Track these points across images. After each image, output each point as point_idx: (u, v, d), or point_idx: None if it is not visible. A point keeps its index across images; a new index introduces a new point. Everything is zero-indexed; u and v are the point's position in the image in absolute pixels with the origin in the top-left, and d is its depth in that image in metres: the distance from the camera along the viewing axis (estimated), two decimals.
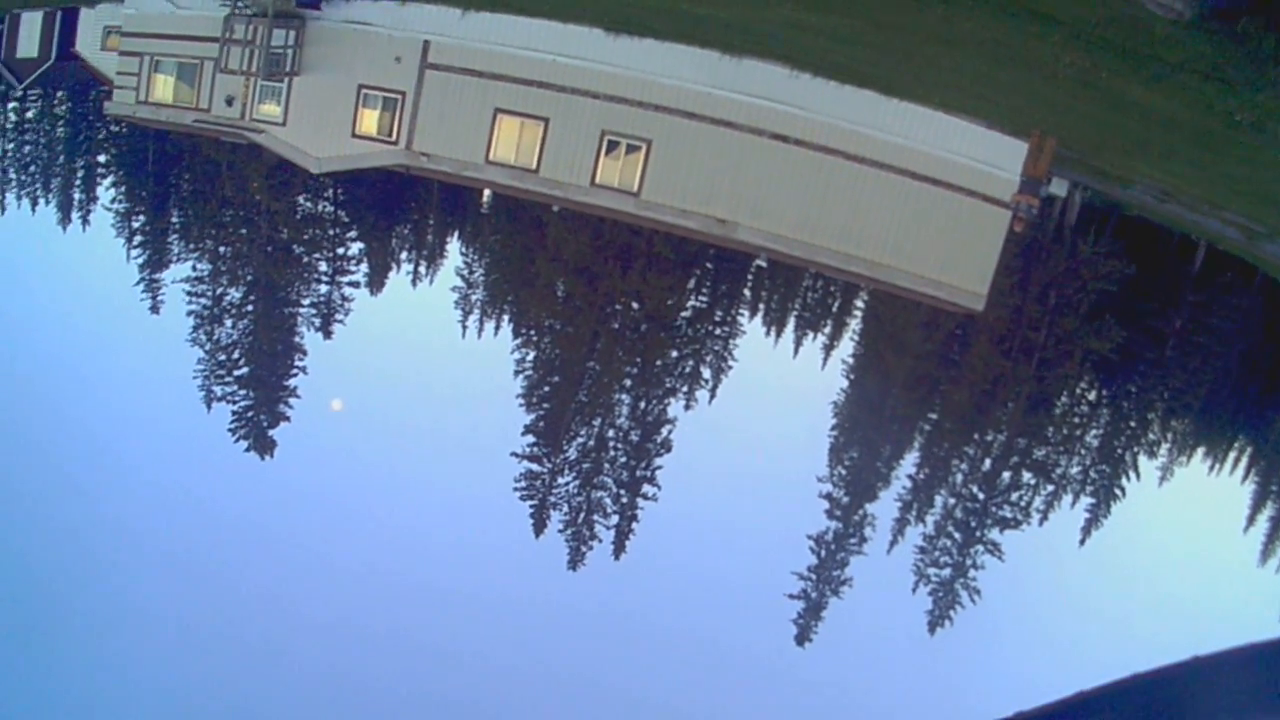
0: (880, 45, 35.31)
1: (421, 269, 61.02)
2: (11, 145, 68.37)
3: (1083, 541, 46.58)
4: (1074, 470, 48.00)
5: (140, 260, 56.30)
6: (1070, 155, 37.77)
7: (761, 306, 57.11)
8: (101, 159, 68.55)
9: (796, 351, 56.56)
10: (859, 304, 54.77)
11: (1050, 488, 47.00)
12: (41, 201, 66.66)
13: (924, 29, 31.19)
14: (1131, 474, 47.71)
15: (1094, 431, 49.73)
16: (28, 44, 55.48)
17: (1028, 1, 29.23)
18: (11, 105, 68.25)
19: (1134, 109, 30.82)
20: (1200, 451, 51.26)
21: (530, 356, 50.56)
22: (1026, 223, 38.30)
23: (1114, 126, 33.72)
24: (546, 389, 49.68)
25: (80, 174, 69.02)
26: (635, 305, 49.26)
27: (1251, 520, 48.67)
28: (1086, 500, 47.21)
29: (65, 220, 66.80)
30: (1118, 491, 47.28)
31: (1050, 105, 33.77)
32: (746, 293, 55.65)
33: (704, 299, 53.35)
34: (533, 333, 52.09)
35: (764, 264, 46.99)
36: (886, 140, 38.93)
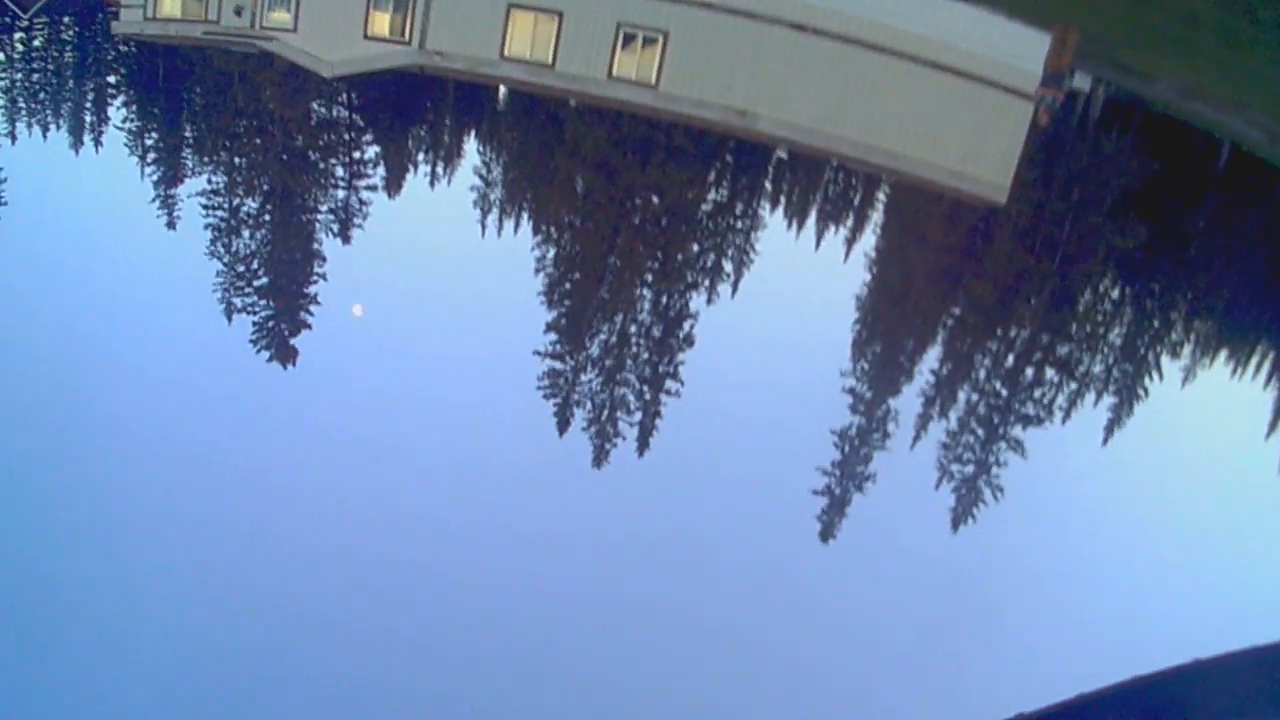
0: None
1: (439, 170, 60.10)
2: (20, 75, 67.28)
3: (1105, 441, 46.46)
4: (1097, 368, 47.64)
5: (155, 177, 55.64)
6: (1094, 49, 36.71)
7: (782, 199, 56.13)
8: (111, 80, 67.44)
9: (818, 244, 55.62)
10: (881, 196, 53.83)
11: (1073, 385, 46.73)
12: (53, 127, 65.69)
13: None
14: (1154, 374, 47.38)
15: (1117, 330, 49.22)
16: None
17: None
18: (18, 35, 67.09)
19: (1157, 3, 29.52)
20: (1223, 354, 50.71)
21: (550, 254, 50.07)
22: (1050, 116, 37.40)
23: (1137, 21, 32.59)
24: (567, 286, 49.32)
25: (90, 97, 67.98)
26: (655, 199, 48.56)
27: (1274, 426, 48.39)
28: (1109, 399, 46.99)
29: (77, 144, 65.83)
30: (1140, 391, 47.00)
31: None
32: (767, 185, 54.68)
33: (724, 192, 52.48)
34: (552, 229, 51.46)
35: (785, 155, 46.31)
36: (907, 30, 37.83)
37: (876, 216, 55.61)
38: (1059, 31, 35.21)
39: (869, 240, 54.62)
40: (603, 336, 45.73)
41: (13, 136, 61.44)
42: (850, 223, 57.65)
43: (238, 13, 43.03)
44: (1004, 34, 37.55)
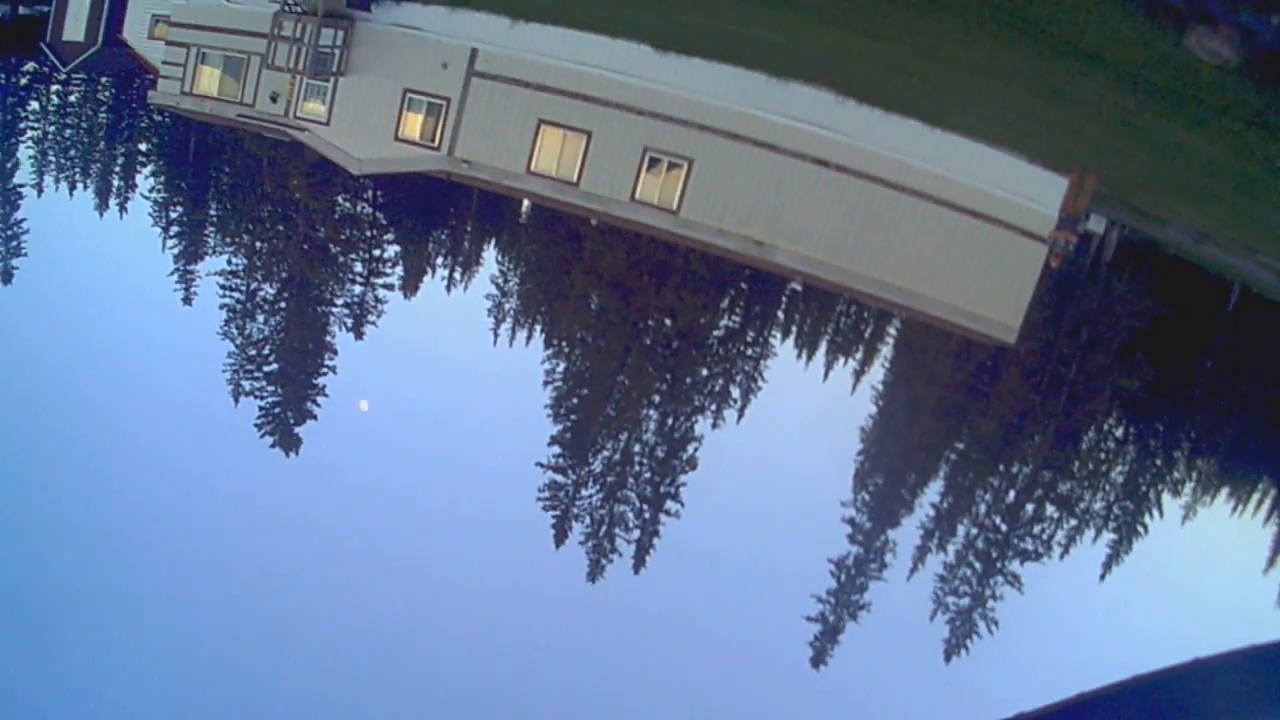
0: (927, 75, 35.00)
1: (456, 275, 59.92)
2: (53, 128, 66.43)
3: (1103, 577, 47.00)
4: (1097, 505, 48.08)
5: (176, 251, 55.78)
6: (1110, 193, 37.88)
7: (794, 329, 55.91)
8: (143, 147, 66.38)
9: (827, 375, 55.77)
10: (891, 331, 53.82)
11: (1073, 522, 47.23)
12: (80, 186, 65.43)
13: (971, 62, 31.56)
14: (1155, 511, 47.80)
15: (1119, 468, 49.49)
16: (75, 27, 53.63)
17: (1075, 41, 29.29)
18: (55, 88, 65.75)
19: (1175, 151, 31.22)
20: (1224, 492, 50.95)
21: (560, 368, 50.27)
22: (1063, 258, 38.01)
23: (1155, 167, 34.05)
24: (575, 401, 49.65)
25: (120, 161, 67.07)
26: (668, 321, 48.67)
27: (1272, 562, 48.85)
28: (1108, 536, 47.50)
29: (103, 206, 65.16)
30: (1140, 528, 47.47)
31: (1092, 143, 34.16)
32: (780, 314, 54.44)
33: (737, 319, 52.35)
34: (564, 344, 51.50)
35: (799, 287, 46.56)
36: (927, 170, 38.38)
37: (886, 351, 55.86)
38: (1076, 175, 35.14)
39: (877, 374, 55.19)
40: (606, 453, 46.70)
41: (39, 189, 62.41)
42: (860, 356, 57.93)
43: (273, 99, 42.89)
44: (1022, 176, 37.45)
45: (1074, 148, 36.21)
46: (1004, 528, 46.45)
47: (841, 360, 54.72)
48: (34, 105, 65.12)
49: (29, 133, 63.67)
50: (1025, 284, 39.87)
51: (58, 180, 62.52)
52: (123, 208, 61.80)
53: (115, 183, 63.04)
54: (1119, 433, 49.53)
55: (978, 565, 46.14)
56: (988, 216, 39.28)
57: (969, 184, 38.99)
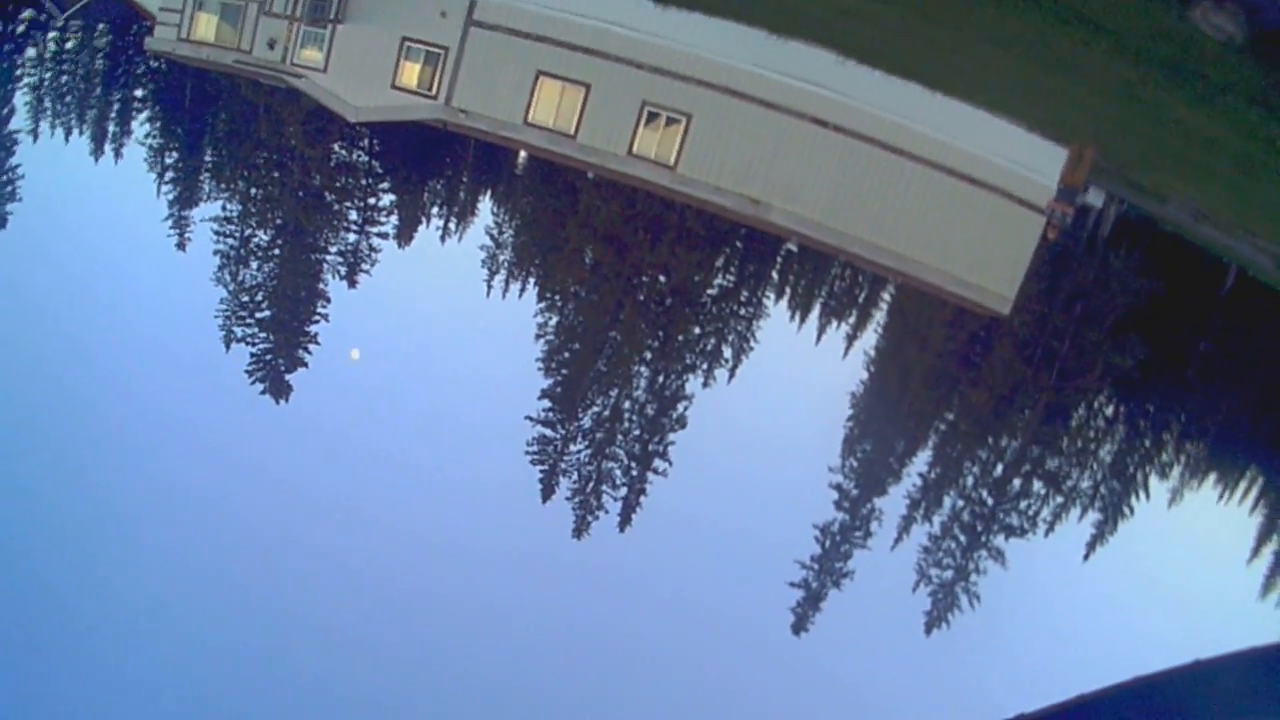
0: (929, 39, 34.90)
1: (451, 225, 59.67)
2: (49, 74, 66.10)
3: (1086, 557, 46.90)
4: (1085, 484, 47.92)
5: (170, 196, 55.79)
6: (1109, 166, 37.68)
7: (788, 290, 55.82)
8: (139, 93, 66.00)
9: (819, 338, 55.63)
10: (885, 296, 53.68)
11: (1059, 499, 47.11)
12: (75, 132, 65.31)
13: (974, 27, 31.55)
14: (1141, 493, 47.65)
15: (1108, 447, 49.37)
16: None
17: (1079, 9, 28.79)
18: (52, 35, 65.66)
19: (1176, 126, 31.02)
20: (1212, 477, 50.69)
21: (553, 321, 50.18)
22: (1060, 230, 37.91)
23: (1155, 142, 33.97)
24: (566, 355, 49.60)
25: (116, 107, 66.80)
26: (662, 278, 48.59)
27: (1256, 552, 48.62)
28: (1094, 515, 47.34)
29: (98, 152, 64.97)
30: (1126, 510, 47.33)
31: (1093, 114, 33.96)
32: (774, 275, 54.44)
33: (731, 278, 52.19)
34: (557, 298, 51.39)
35: (794, 248, 46.43)
36: (926, 134, 38.24)
37: (880, 316, 55.66)
38: (1077, 147, 34.94)
39: (870, 339, 55.04)
40: (596, 409, 46.69)
41: (35, 134, 62.23)
42: (853, 320, 57.72)
43: (270, 45, 42.72)
44: (1022, 145, 37.29)
45: (1074, 118, 36.10)
46: (990, 501, 46.37)
47: (834, 324, 54.68)
48: (30, 52, 65.05)
49: (25, 80, 63.64)
50: (1021, 255, 39.79)
51: (53, 126, 62.49)
52: (118, 153, 61.79)
53: (111, 129, 62.94)
54: (1109, 411, 49.31)
55: (962, 538, 46.10)
56: (985, 184, 39.17)
57: (968, 150, 38.90)
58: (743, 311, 50.29)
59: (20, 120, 61.50)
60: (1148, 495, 46.85)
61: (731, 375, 48.93)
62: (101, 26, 62.65)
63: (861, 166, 40.25)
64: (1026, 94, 36.71)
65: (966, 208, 39.69)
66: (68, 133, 62.10)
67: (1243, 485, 50.90)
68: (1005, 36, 31.74)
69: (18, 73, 64.34)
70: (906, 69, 37.96)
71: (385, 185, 54.08)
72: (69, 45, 65.68)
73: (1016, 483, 46.45)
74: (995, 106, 37.49)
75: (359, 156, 54.57)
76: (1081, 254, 47.56)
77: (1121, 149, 36.87)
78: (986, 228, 40.18)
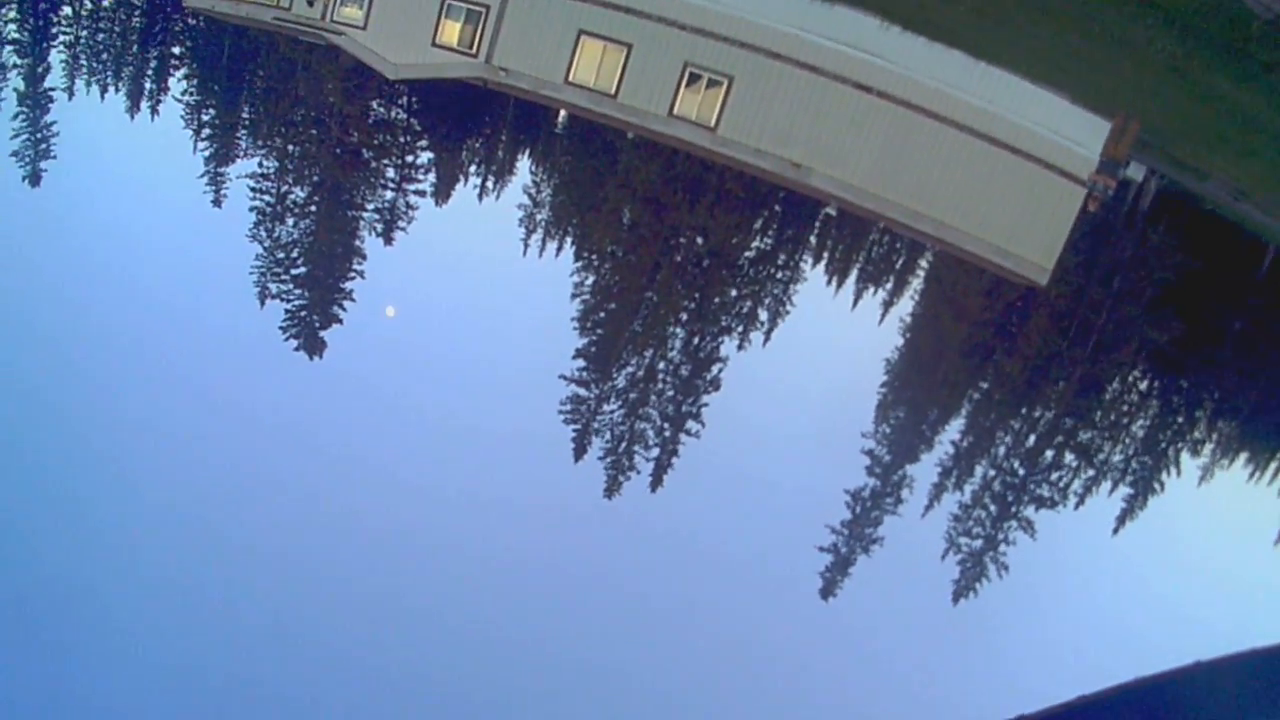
0: (975, 6, 34.94)
1: (489, 184, 60.10)
2: (85, 33, 66.95)
3: (1116, 530, 47.49)
4: (1116, 458, 48.52)
5: (207, 153, 56.29)
6: (1151, 140, 37.78)
7: (826, 255, 56.34)
8: (176, 50, 66.66)
9: (856, 303, 55.95)
10: (923, 263, 54.15)
11: (1090, 472, 47.72)
12: (112, 89, 65.87)
13: None
14: (1173, 469, 48.24)
15: (1140, 422, 49.92)
16: None
17: None
18: None
19: (1220, 103, 31.51)
20: (1243, 457, 51.19)
21: (589, 281, 50.66)
22: (1101, 202, 38.39)
23: (1198, 118, 34.41)
24: (602, 315, 50.12)
25: (153, 64, 67.39)
26: (700, 240, 49.11)
27: None
28: (1124, 490, 47.93)
29: (134, 109, 65.41)
30: (1156, 485, 47.92)
31: (1137, 87, 34.41)
32: (812, 239, 54.87)
33: (769, 241, 52.66)
34: (594, 257, 51.90)
35: (833, 212, 47.03)
36: (970, 102, 38.74)
37: (916, 283, 56.20)
38: (1120, 120, 35.32)
39: (906, 306, 55.50)
40: (630, 369, 47.62)
41: (70, 92, 63.17)
42: (890, 286, 58.19)
43: (310, 2, 43.49)
44: (1066, 116, 37.61)
45: (1119, 91, 36.49)
46: (1021, 471, 46.93)
47: (871, 289, 55.09)
48: (66, 10, 65.60)
49: (61, 38, 64.23)
50: (1061, 225, 40.38)
51: (89, 84, 63.13)
52: (154, 110, 62.38)
53: (147, 86, 63.56)
54: (1143, 385, 49.75)
55: (993, 508, 46.60)
56: (1028, 154, 39.72)
57: (1011, 119, 39.44)
58: (780, 275, 50.80)
59: (55, 79, 62.12)
60: (1179, 472, 47.36)
61: (767, 339, 49.55)
62: None
63: (903, 133, 40.80)
64: (1072, 65, 37.15)
65: (1007, 177, 40.28)
66: (103, 90, 62.85)
67: (1274, 466, 51.38)
68: (1053, 6, 32.38)
69: (54, 30, 65.06)
70: (952, 36, 38.41)
71: (423, 143, 54.64)
72: (105, 3, 66.42)
73: (1049, 454, 47.03)
74: (1040, 77, 38.00)
75: (397, 114, 55.23)
76: (1121, 228, 48.05)
77: (1164, 123, 37.34)
78: (1027, 198, 40.77)
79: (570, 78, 42.77)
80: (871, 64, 40.23)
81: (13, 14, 64.62)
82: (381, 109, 56.92)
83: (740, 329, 50.67)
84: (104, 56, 64.26)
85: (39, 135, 60.43)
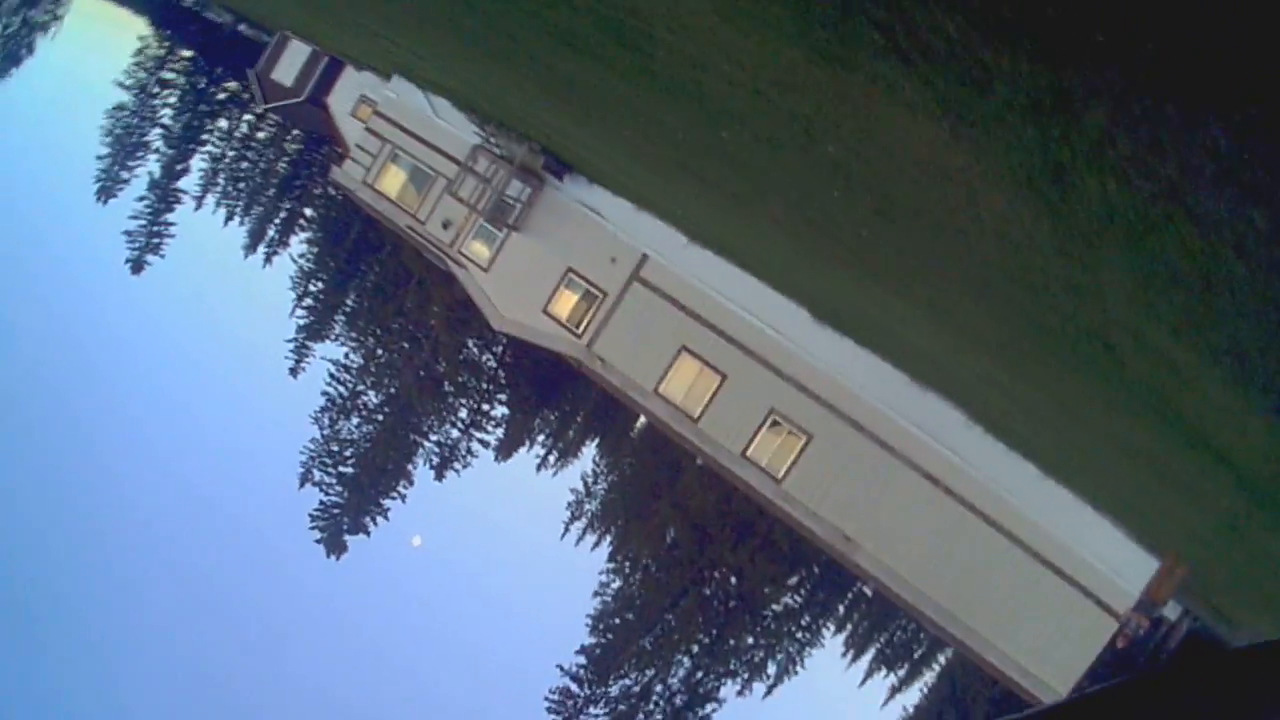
0: (1057, 425, 35.52)
1: (551, 458, 61.39)
2: (232, 153, 68.77)
3: None
4: None
5: (302, 322, 57.66)
6: (1194, 586, 37.40)
7: (849, 627, 56.44)
8: (308, 212, 68.28)
9: (865, 681, 55.99)
10: (940, 660, 54.10)
11: None
12: (236, 220, 67.61)
13: (1104, 430, 31.62)
14: None
15: None
16: (286, 71, 55.79)
17: (1210, 438, 29.18)
18: (247, 118, 67.93)
19: (1269, 563, 30.47)
20: None
21: (615, 584, 50.84)
22: (1130, 641, 37.98)
23: (1246, 575, 34.03)
24: (617, 621, 50.17)
25: (283, 215, 69.26)
26: (734, 580, 49.18)
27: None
28: None
29: (251, 249, 67.52)
30: None
31: (1191, 535, 33.65)
32: (840, 609, 55.10)
33: (799, 599, 52.79)
34: (627, 564, 52.10)
35: (869, 592, 47.02)
36: (1028, 516, 38.81)
37: (929, 677, 55.88)
38: (1170, 561, 35.26)
39: (913, 696, 55.09)
40: (628, 682, 47.06)
41: (199, 201, 64.96)
42: (903, 673, 57.84)
43: (445, 225, 44.41)
44: (1116, 547, 37.52)
45: (1173, 533, 36.75)
46: None
47: (884, 671, 54.43)
48: (222, 123, 67.30)
49: (208, 146, 65.79)
50: (1085, 655, 40.20)
51: (219, 203, 64.58)
52: (268, 259, 63.76)
53: (270, 233, 64.91)
54: None
55: None
56: (1070, 578, 39.88)
57: (1063, 540, 39.69)
58: (800, 635, 50.46)
59: (189, 183, 63.59)
60: None
61: (769, 692, 48.95)
62: (296, 133, 64.76)
63: (957, 532, 41.04)
64: (1135, 501, 37.60)
65: (1046, 597, 40.29)
66: (229, 216, 64.27)
67: None
68: (1131, 445, 32.93)
69: (203, 136, 66.78)
70: (1029, 449, 38.97)
71: (503, 396, 55.37)
72: (260, 135, 67.83)
73: None
74: (1101, 506, 38.47)
75: (488, 361, 55.97)
76: (1142, 665, 47.93)
77: (1211, 573, 37.38)
78: (1059, 621, 40.72)
79: (660, 389, 43.13)
80: (947, 459, 40.77)
81: (173, 99, 66.56)
82: (475, 350, 57.90)
83: (746, 676, 50.41)
84: (241, 185, 65.80)
85: (156, 228, 62.00)
